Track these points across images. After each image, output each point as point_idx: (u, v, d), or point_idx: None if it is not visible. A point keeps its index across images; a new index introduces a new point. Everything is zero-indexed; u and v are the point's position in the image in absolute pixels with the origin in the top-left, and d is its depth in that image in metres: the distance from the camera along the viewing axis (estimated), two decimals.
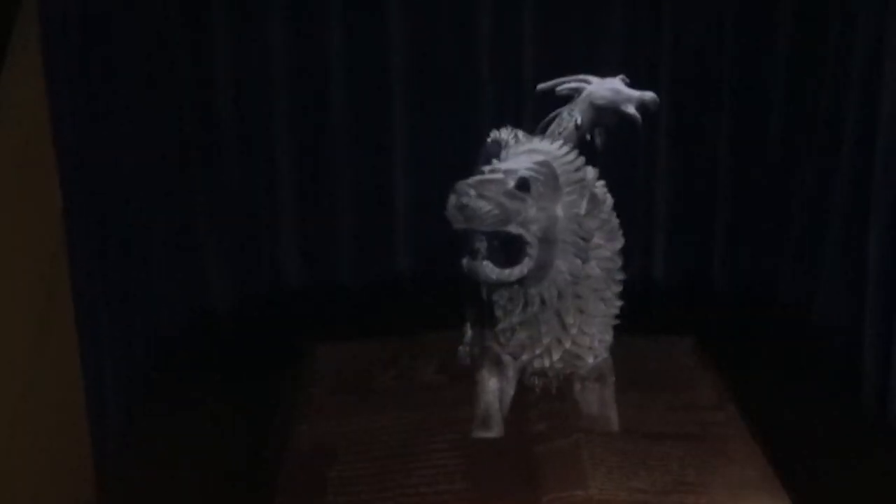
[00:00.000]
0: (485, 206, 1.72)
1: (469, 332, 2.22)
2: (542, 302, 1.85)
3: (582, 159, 1.87)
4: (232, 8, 2.89)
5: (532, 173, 1.79)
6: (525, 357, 1.95)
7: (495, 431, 1.98)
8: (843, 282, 2.54)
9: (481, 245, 1.77)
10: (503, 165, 1.82)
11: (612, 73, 2.88)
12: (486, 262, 1.76)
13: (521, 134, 2.17)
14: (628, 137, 2.30)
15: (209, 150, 2.94)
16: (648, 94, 2.08)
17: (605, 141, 2.11)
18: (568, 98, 2.09)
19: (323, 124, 2.99)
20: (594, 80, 2.11)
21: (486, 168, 1.81)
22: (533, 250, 1.77)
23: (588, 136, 2.08)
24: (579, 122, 2.05)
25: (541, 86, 2.14)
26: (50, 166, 1.95)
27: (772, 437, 2.04)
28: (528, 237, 1.77)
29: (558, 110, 2.10)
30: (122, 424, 2.25)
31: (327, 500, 1.86)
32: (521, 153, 1.87)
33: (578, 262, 1.83)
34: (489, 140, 2.18)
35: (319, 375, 2.34)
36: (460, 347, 2.24)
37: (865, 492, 1.95)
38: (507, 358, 1.97)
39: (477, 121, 2.68)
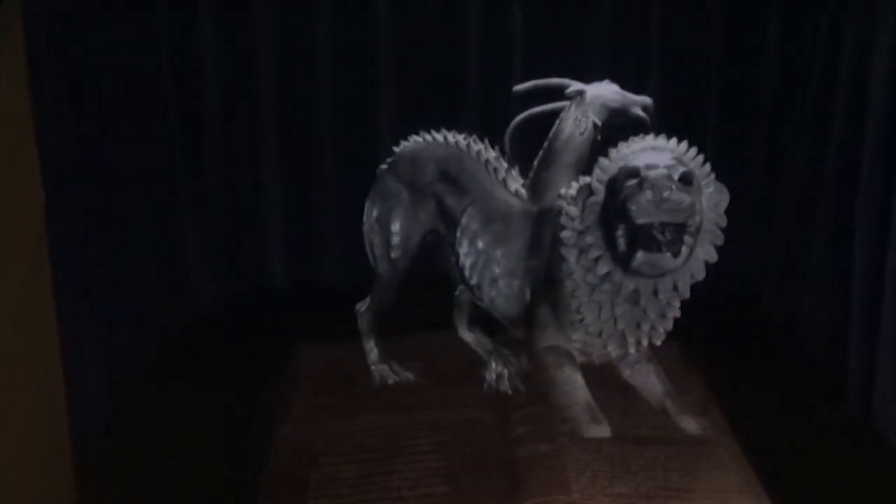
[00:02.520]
0: (686, 199, 1.77)
1: (375, 350, 2.29)
2: (675, 289, 1.90)
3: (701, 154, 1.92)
4: (218, 6, 2.88)
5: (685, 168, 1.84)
6: (611, 348, 2.00)
7: (607, 427, 1.98)
8: (829, 288, 2.54)
9: (621, 238, 1.82)
10: (662, 161, 1.82)
11: (602, 76, 2.90)
12: (667, 254, 1.80)
13: (473, 139, 2.19)
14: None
15: (194, 150, 2.93)
16: (647, 98, 2.16)
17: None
18: (546, 99, 2.15)
19: (309, 125, 2.98)
20: (572, 82, 2.16)
21: (643, 164, 1.81)
22: (690, 240, 1.82)
23: (599, 137, 2.13)
24: (598, 123, 2.12)
25: (517, 87, 2.20)
26: (32, 164, 1.94)
27: (756, 443, 2.04)
28: (692, 228, 1.82)
29: (528, 112, 2.17)
30: (104, 426, 2.23)
31: (309, 503, 1.85)
32: (643, 150, 1.89)
33: (712, 249, 1.89)
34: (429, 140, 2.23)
35: (303, 377, 2.33)
36: (373, 367, 2.29)
37: (849, 497, 1.95)
38: (575, 354, 2.02)
39: (465, 122, 2.66)
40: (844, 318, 2.40)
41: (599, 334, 1.98)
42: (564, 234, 1.94)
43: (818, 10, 2.66)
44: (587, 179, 1.95)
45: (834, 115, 2.53)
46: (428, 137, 2.26)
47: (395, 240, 2.24)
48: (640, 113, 2.15)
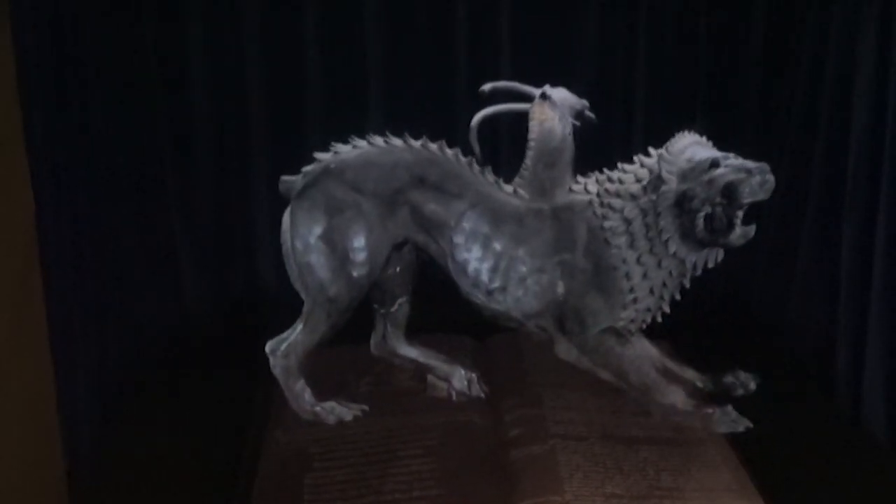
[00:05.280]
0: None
1: (308, 390, 2.16)
2: (717, 259, 2.11)
3: None
4: (208, 10, 2.88)
5: None
6: (648, 320, 2.17)
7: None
8: (817, 286, 2.56)
9: (702, 218, 2.02)
10: (722, 154, 2.04)
11: (590, 76, 2.92)
12: (753, 225, 2.03)
13: (442, 143, 2.19)
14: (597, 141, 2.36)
15: (185, 155, 2.92)
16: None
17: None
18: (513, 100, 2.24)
19: (298, 132, 2.97)
20: (525, 86, 2.25)
21: (720, 155, 2.03)
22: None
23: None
24: (577, 124, 2.23)
25: (485, 87, 2.22)
26: (22, 169, 1.94)
27: (746, 441, 2.05)
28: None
29: (484, 112, 2.21)
30: (96, 431, 2.23)
31: None
32: (692, 144, 2.07)
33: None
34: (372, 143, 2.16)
35: None
36: (318, 409, 2.15)
37: (839, 494, 1.96)
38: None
39: (453, 125, 2.67)
40: (833, 316, 2.42)
41: (648, 310, 2.14)
42: (611, 225, 2.09)
43: (802, 13, 2.68)
44: (639, 172, 2.10)
45: (820, 118, 2.55)
46: (379, 142, 2.17)
47: (360, 256, 2.11)
48: (591, 115, 2.27)
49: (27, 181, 1.95)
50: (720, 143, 2.13)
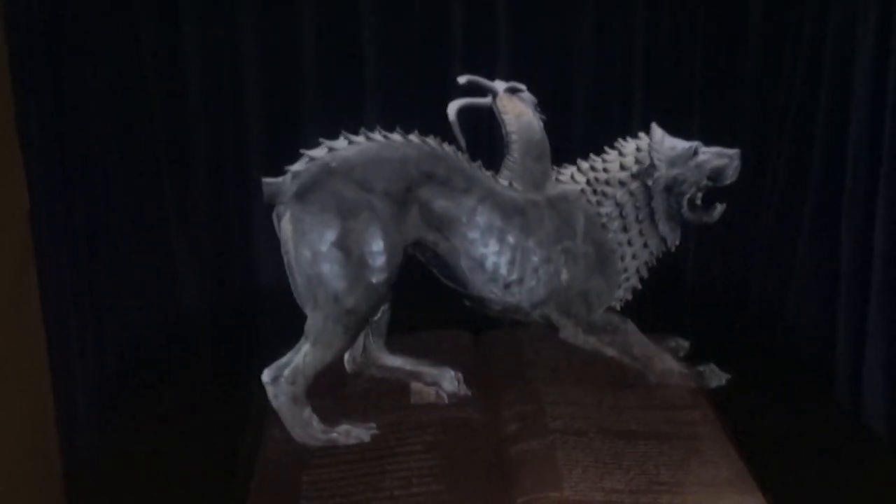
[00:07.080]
0: None
1: (316, 417, 2.02)
2: (680, 237, 2.29)
3: None
4: (205, 9, 2.88)
5: None
6: (629, 295, 2.29)
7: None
8: (816, 280, 2.56)
9: (688, 199, 2.23)
10: (696, 143, 2.24)
11: (590, 74, 2.91)
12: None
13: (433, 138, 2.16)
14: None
15: (180, 151, 2.92)
16: None
17: None
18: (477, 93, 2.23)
19: (295, 127, 2.97)
20: (487, 81, 2.24)
21: (696, 144, 2.23)
22: None
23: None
24: (545, 118, 2.25)
25: (461, 78, 2.20)
26: (17, 168, 1.93)
27: (746, 436, 2.05)
28: None
29: (459, 104, 2.17)
30: (93, 430, 2.22)
31: None
32: (665, 136, 2.23)
33: None
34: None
35: None
36: (334, 435, 2.01)
37: (840, 489, 1.95)
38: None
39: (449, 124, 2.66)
40: (832, 310, 2.41)
41: (632, 288, 2.27)
42: (606, 211, 2.22)
43: (801, 13, 2.68)
44: (623, 161, 2.23)
45: (818, 117, 2.55)
46: (377, 137, 2.06)
47: (379, 261, 1.97)
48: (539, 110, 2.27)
49: (23, 180, 1.95)
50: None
